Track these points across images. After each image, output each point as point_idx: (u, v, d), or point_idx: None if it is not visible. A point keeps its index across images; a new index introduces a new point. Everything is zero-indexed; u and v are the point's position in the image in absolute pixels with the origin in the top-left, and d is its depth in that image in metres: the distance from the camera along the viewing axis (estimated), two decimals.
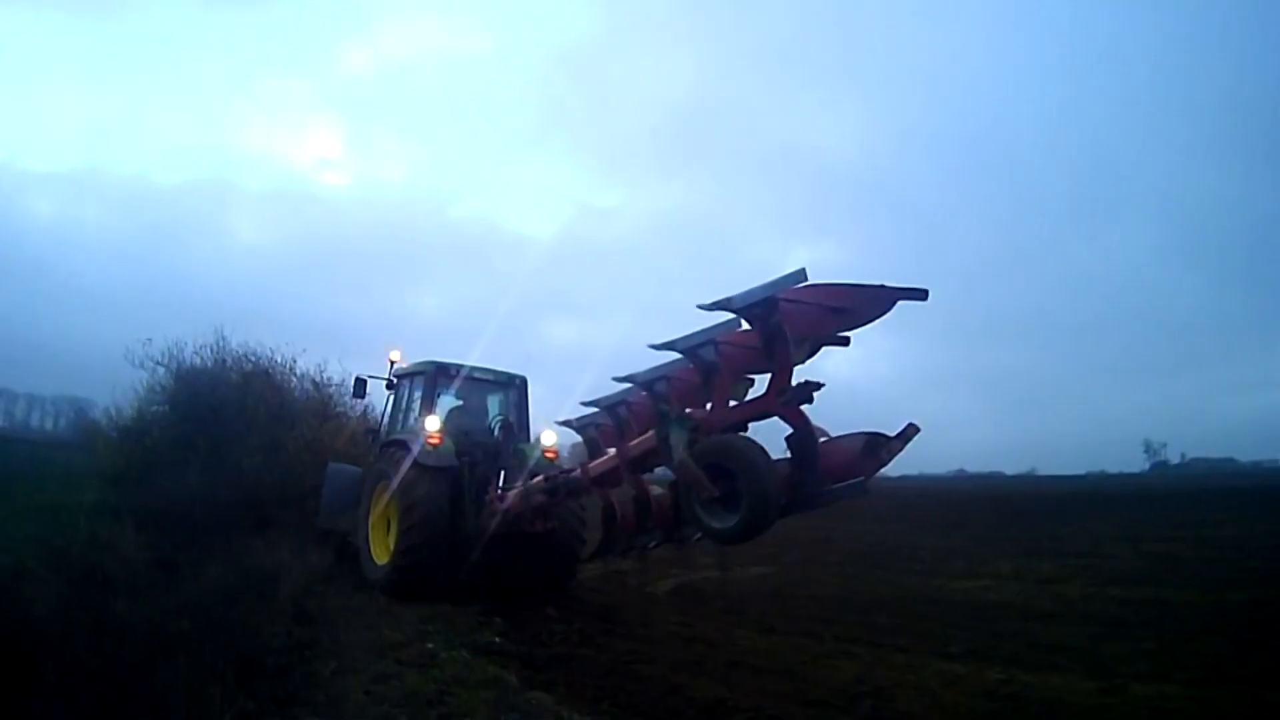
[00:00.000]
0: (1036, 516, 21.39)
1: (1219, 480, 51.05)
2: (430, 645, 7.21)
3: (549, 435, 10.20)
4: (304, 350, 18.01)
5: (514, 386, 11.69)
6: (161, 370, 16.18)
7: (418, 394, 11.34)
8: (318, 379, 17.99)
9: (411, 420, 11.20)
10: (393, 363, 12.15)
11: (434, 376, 10.99)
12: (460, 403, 11.40)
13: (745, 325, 5.72)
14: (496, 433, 10.94)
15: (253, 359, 17.16)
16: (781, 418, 5.76)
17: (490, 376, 11.57)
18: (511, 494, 9.35)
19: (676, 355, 6.25)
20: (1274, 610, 9.10)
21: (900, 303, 5.21)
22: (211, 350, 16.70)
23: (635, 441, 7.09)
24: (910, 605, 10.15)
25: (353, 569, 10.64)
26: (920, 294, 5.09)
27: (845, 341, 5.63)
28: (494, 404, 11.81)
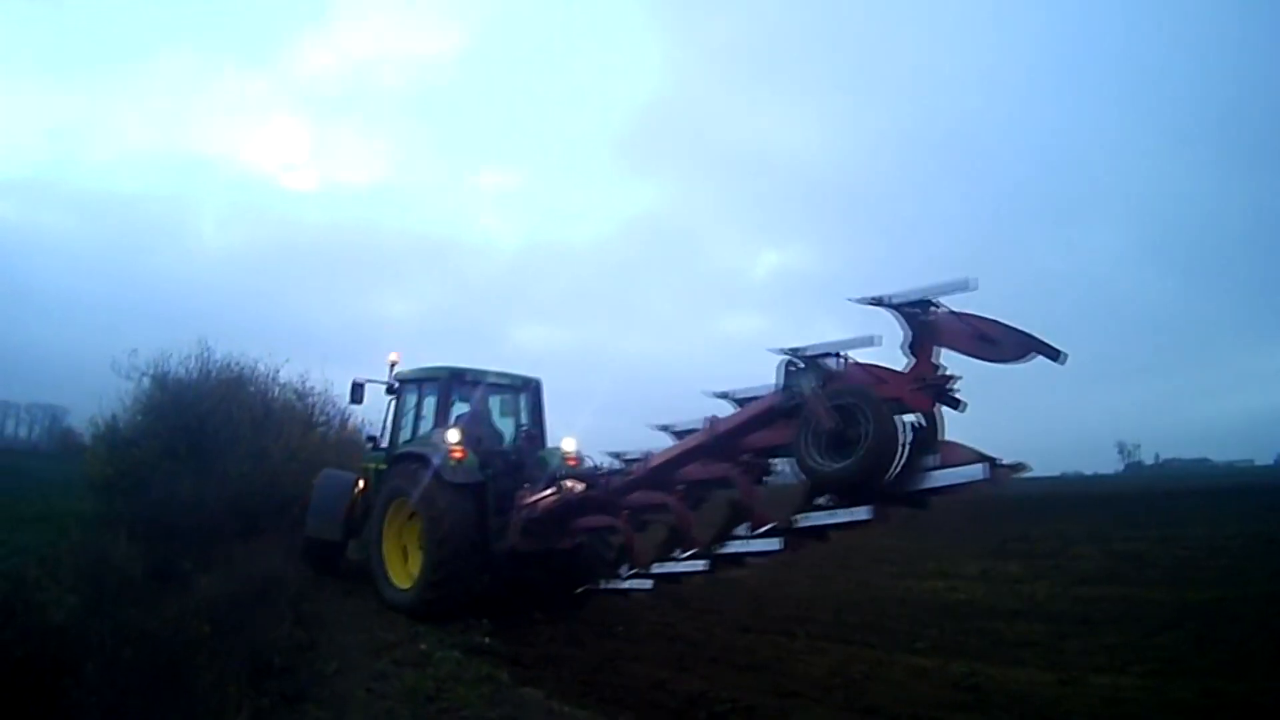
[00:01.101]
0: (1007, 518, 21.70)
1: (1192, 481, 51.39)
2: (423, 646, 7.53)
3: (569, 442, 9.92)
4: (287, 360, 18.30)
5: (528, 390, 11.17)
6: (147, 381, 16.28)
7: (429, 401, 10.79)
8: (300, 388, 18.36)
9: (422, 429, 10.63)
10: (393, 365, 11.53)
11: (449, 383, 10.54)
12: (469, 409, 10.89)
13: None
14: (510, 442, 10.69)
15: (236, 369, 17.36)
16: (911, 406, 5.72)
17: (505, 381, 11.08)
18: (544, 497, 8.94)
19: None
20: (1235, 607, 9.31)
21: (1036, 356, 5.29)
22: (196, 361, 16.79)
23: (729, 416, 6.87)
24: (880, 604, 10.41)
25: (336, 580, 10.78)
26: (1055, 354, 5.23)
27: (956, 403, 5.69)
28: (508, 410, 11.31)
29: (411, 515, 9.69)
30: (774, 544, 6.59)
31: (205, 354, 16.93)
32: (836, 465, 5.71)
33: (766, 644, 8.03)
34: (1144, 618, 8.98)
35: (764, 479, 7.15)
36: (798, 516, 6.28)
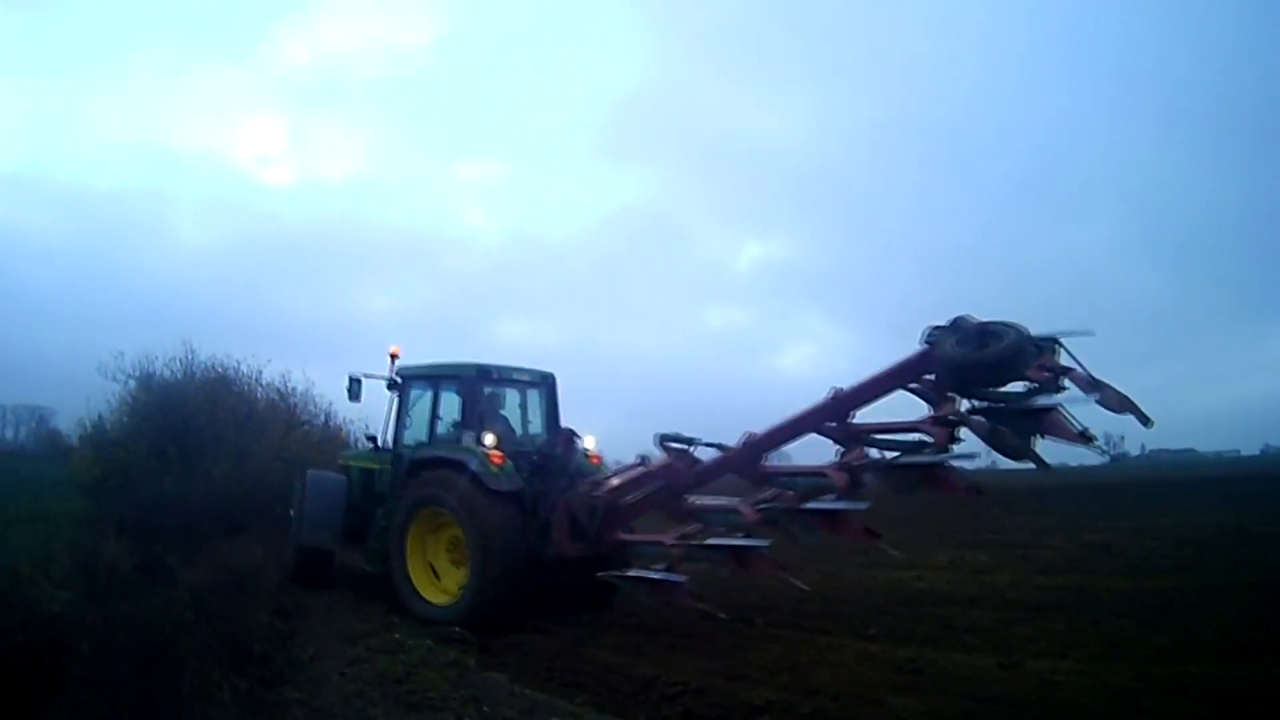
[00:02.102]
0: (987, 510, 21.83)
1: (1176, 472, 51.58)
2: (397, 635, 7.96)
3: (589, 439, 9.82)
4: (269, 361, 18.65)
5: (544, 385, 10.70)
6: (132, 383, 16.70)
7: (449, 399, 10.22)
8: (282, 388, 18.70)
9: (441, 429, 10.10)
10: (393, 359, 10.77)
11: (475, 381, 9.97)
12: (487, 407, 10.29)
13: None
14: (535, 439, 10.34)
15: (220, 370, 17.72)
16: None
17: (526, 377, 10.61)
18: (601, 489, 8.86)
19: None
20: (1188, 595, 9.51)
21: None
22: (180, 363, 17.17)
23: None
24: (843, 594, 10.61)
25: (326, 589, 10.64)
26: (1145, 419, 6.57)
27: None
28: (523, 406, 10.81)
29: (439, 524, 9.31)
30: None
31: (189, 356, 17.32)
32: (981, 351, 6.74)
33: (724, 631, 8.19)
34: (1096, 605, 9.22)
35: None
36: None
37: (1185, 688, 5.86)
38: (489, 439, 9.23)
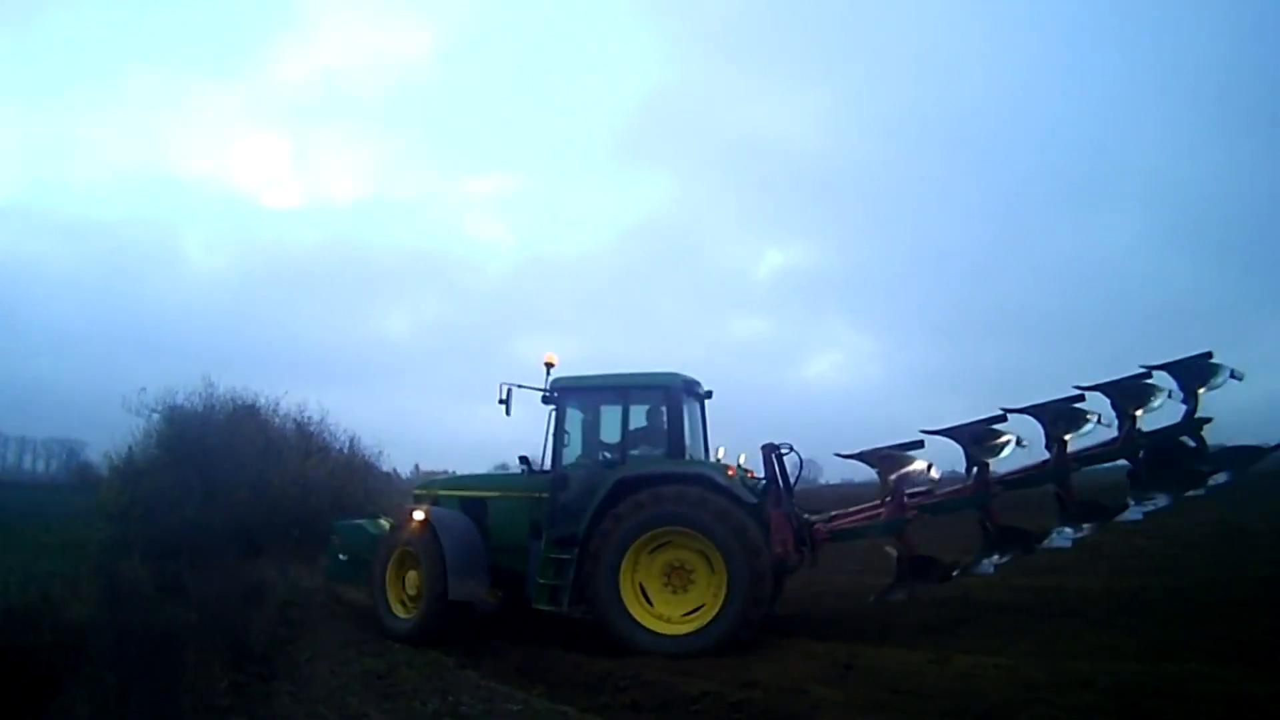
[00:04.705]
0: (1003, 511, 21.28)
1: None
2: (387, 641, 8.81)
3: (720, 451, 9.62)
4: (285, 393, 19.51)
5: (704, 398, 10.31)
6: (156, 416, 17.54)
7: (643, 413, 9.60)
8: (299, 418, 19.51)
9: (637, 446, 9.49)
10: (549, 367, 9.90)
11: (679, 394, 9.45)
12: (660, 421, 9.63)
13: None
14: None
15: (238, 402, 18.59)
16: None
17: (700, 389, 10.23)
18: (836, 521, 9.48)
19: None
20: (1150, 595, 9.58)
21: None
22: (200, 396, 18.05)
23: None
24: (813, 597, 11.03)
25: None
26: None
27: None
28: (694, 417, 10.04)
29: (655, 549, 8.74)
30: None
31: (209, 389, 18.21)
32: None
33: None
34: (1054, 605, 9.41)
35: None
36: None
37: (1091, 682, 6.10)
38: (721, 453, 9.18)
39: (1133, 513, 9.08)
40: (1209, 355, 8.94)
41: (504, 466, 12.10)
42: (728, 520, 8.38)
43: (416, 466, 38.68)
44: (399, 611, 9.51)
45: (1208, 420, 9.00)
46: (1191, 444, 9.07)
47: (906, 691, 6.35)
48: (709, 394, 10.28)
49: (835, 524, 9.78)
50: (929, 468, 9.36)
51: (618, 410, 9.52)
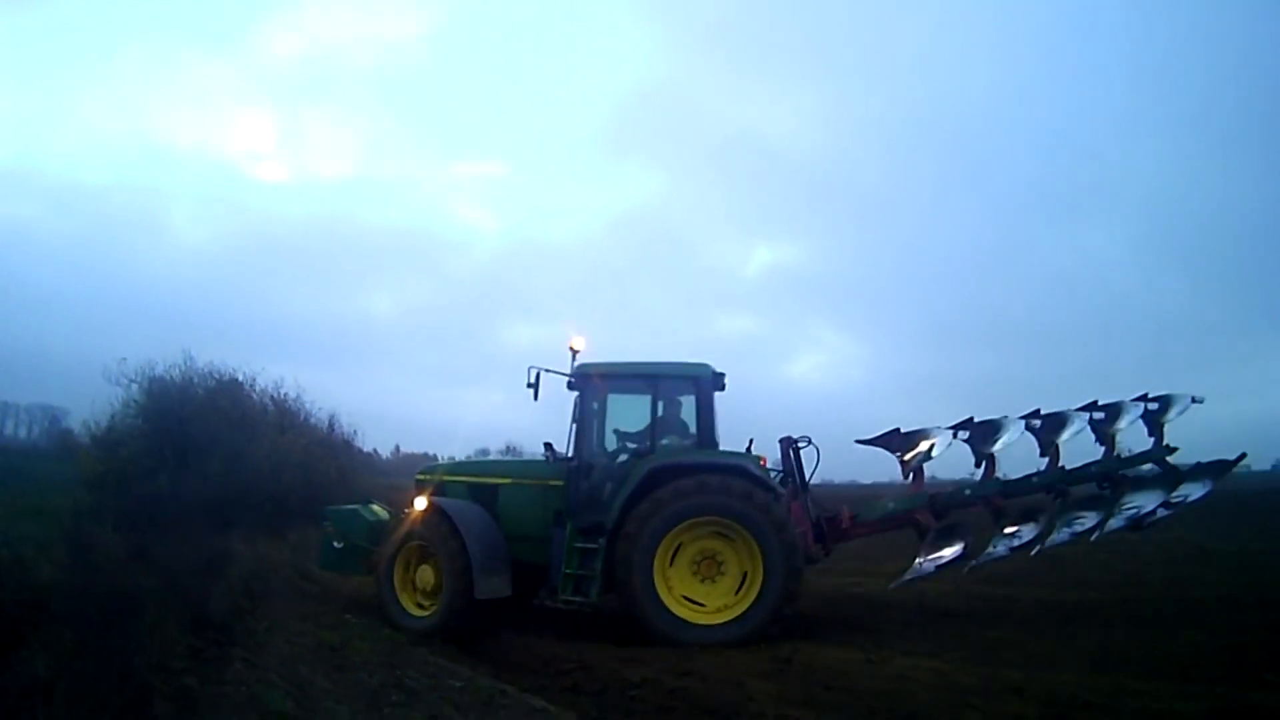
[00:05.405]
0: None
1: None
2: (348, 616, 9.10)
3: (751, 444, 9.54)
4: (263, 369, 20.00)
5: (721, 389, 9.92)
6: (135, 387, 17.77)
7: (672, 402, 9.62)
8: (275, 395, 20.01)
9: (666, 435, 9.48)
10: (575, 353, 9.73)
11: (709, 385, 9.41)
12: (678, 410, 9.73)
13: None
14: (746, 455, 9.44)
15: (216, 376, 18.89)
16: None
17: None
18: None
19: None
20: (1093, 607, 9.93)
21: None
22: (179, 369, 18.31)
23: None
24: None
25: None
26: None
27: None
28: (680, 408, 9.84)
29: (692, 538, 8.71)
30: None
31: (189, 362, 18.48)
32: None
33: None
34: (1000, 614, 9.77)
35: None
36: None
37: (1022, 690, 6.24)
38: (750, 445, 9.20)
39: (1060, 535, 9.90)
40: (1146, 396, 10.21)
41: (510, 451, 12.07)
42: (770, 514, 8.49)
43: (397, 447, 39.31)
44: (413, 610, 9.16)
45: (1173, 449, 10.22)
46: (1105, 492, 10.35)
47: (839, 689, 6.54)
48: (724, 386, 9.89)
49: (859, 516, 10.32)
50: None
51: (644, 399, 9.43)
